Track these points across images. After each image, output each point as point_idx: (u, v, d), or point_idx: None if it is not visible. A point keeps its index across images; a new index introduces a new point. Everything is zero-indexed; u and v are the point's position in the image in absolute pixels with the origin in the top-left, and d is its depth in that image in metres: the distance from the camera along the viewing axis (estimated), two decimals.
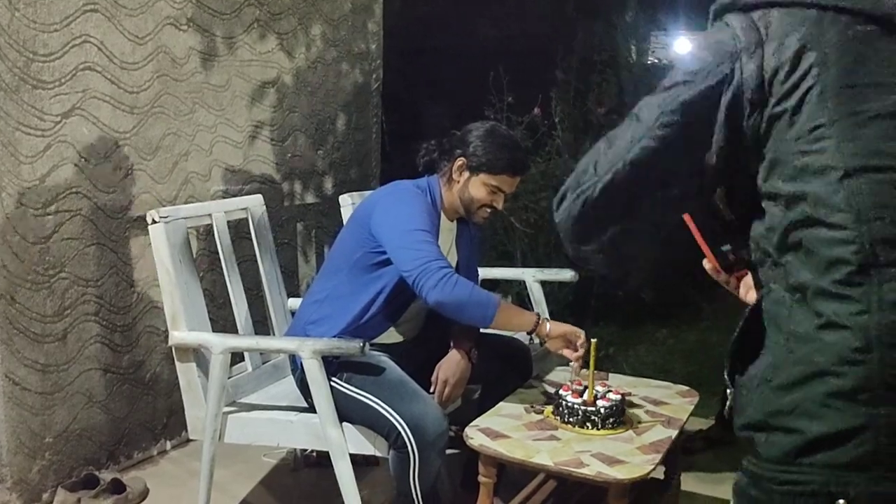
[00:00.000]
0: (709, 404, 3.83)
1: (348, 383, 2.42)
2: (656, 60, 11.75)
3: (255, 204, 2.90)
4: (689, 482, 3.07)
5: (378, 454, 2.41)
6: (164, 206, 2.92)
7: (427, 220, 2.39)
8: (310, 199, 3.67)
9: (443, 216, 2.57)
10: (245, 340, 2.57)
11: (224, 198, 3.18)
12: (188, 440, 3.02)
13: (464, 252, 2.69)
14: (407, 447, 2.28)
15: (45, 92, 2.55)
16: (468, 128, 2.53)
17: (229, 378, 2.66)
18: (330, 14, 3.69)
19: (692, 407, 2.47)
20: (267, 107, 3.41)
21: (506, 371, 2.63)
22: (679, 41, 13.04)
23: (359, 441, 2.42)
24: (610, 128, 4.17)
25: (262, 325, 2.94)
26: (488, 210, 2.54)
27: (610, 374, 2.73)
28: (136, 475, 2.92)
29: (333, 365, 2.44)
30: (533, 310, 3.41)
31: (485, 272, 3.68)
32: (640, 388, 2.58)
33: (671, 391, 2.58)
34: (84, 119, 2.68)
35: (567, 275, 3.46)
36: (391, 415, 2.31)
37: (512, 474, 2.53)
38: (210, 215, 2.72)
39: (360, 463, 2.83)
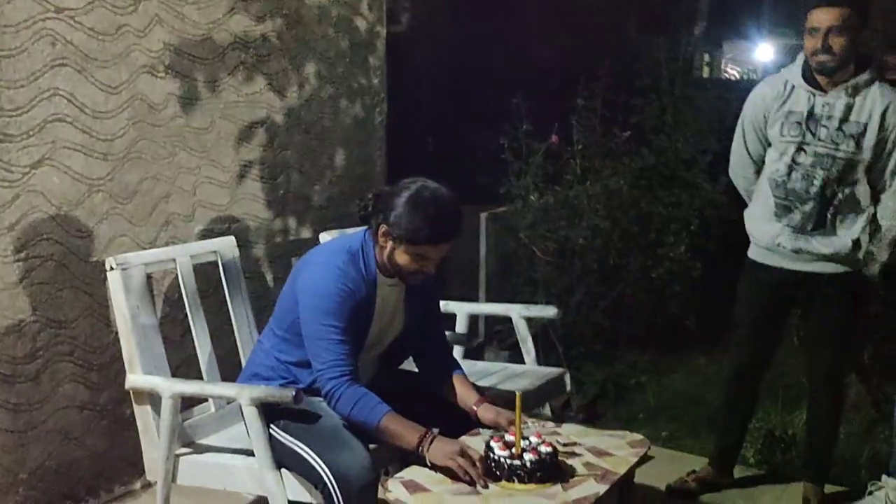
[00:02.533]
0: (749, 440, 3.70)
1: (284, 431, 2.45)
2: (731, 72, 11.42)
3: (225, 246, 2.96)
4: None
5: (314, 502, 2.43)
6: (143, 248, 3.03)
7: (342, 306, 2.37)
8: (306, 234, 3.73)
9: (380, 276, 2.49)
10: (191, 386, 2.63)
11: (212, 237, 3.25)
12: None
13: (415, 311, 2.62)
14: (333, 496, 2.29)
15: (13, 145, 2.68)
16: (396, 188, 2.42)
17: (189, 419, 2.73)
18: (325, 52, 3.74)
19: (636, 459, 2.39)
20: (255, 146, 3.48)
21: (453, 418, 2.60)
22: (760, 50, 12.64)
23: (298, 488, 2.45)
24: (630, 152, 3.94)
25: None
26: (420, 275, 2.46)
27: (564, 425, 2.67)
28: None
29: (274, 412, 2.47)
30: (525, 347, 3.38)
31: (473, 307, 3.68)
32: (590, 438, 2.50)
33: (621, 441, 2.50)
34: (54, 168, 2.80)
35: (551, 311, 3.45)
36: (318, 464, 2.33)
37: None
38: (174, 260, 2.80)
39: None
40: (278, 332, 2.55)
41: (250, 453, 2.50)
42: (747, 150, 3.17)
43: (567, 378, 3.34)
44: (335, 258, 2.45)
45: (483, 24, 5.52)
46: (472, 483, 2.18)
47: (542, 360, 3.62)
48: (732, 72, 11.34)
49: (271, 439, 2.44)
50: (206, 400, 2.79)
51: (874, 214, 3.00)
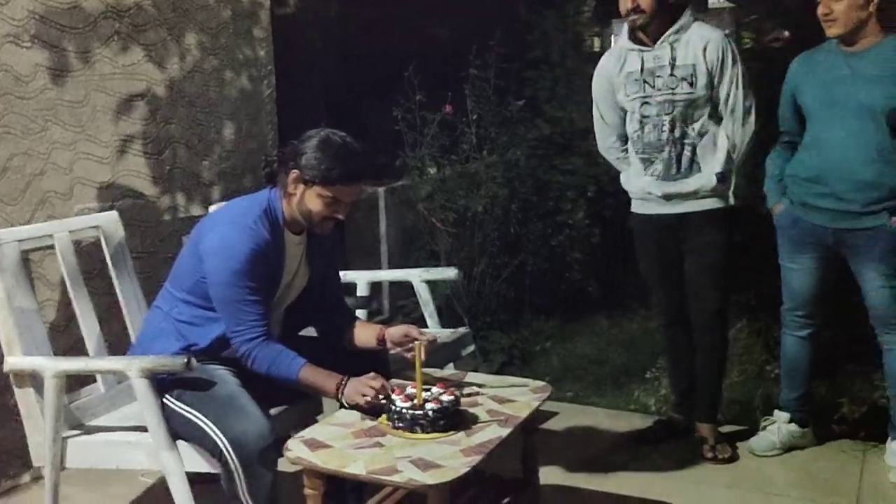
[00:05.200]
0: (650, 389, 3.79)
1: (179, 400, 2.36)
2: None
3: (108, 222, 2.83)
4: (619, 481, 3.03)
5: (213, 471, 2.34)
6: (16, 227, 2.86)
7: (254, 267, 2.35)
8: (196, 210, 3.60)
9: (287, 233, 2.49)
10: (75, 363, 2.50)
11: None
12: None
13: (318, 266, 2.63)
14: (230, 464, 2.22)
15: None
16: (303, 137, 2.43)
17: (77, 401, 2.61)
18: (206, 22, 3.62)
19: (539, 403, 2.39)
20: (136, 120, 3.35)
21: (362, 365, 2.54)
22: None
23: (196, 459, 2.36)
24: (526, 122, 4.00)
25: None
26: (331, 222, 2.46)
27: (469, 373, 2.66)
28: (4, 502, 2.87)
29: (166, 382, 2.37)
30: (428, 310, 3.37)
31: (373, 275, 3.63)
32: (493, 387, 2.49)
33: (524, 388, 2.49)
34: None
35: (451, 273, 3.43)
36: (214, 432, 2.26)
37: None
38: (52, 236, 2.66)
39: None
40: (178, 293, 2.47)
41: (144, 430, 2.40)
42: (604, 120, 3.33)
43: (470, 337, 3.32)
44: (244, 218, 2.41)
45: None
46: (384, 403, 2.24)
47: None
48: None
49: (166, 410, 2.35)
50: (94, 381, 2.66)
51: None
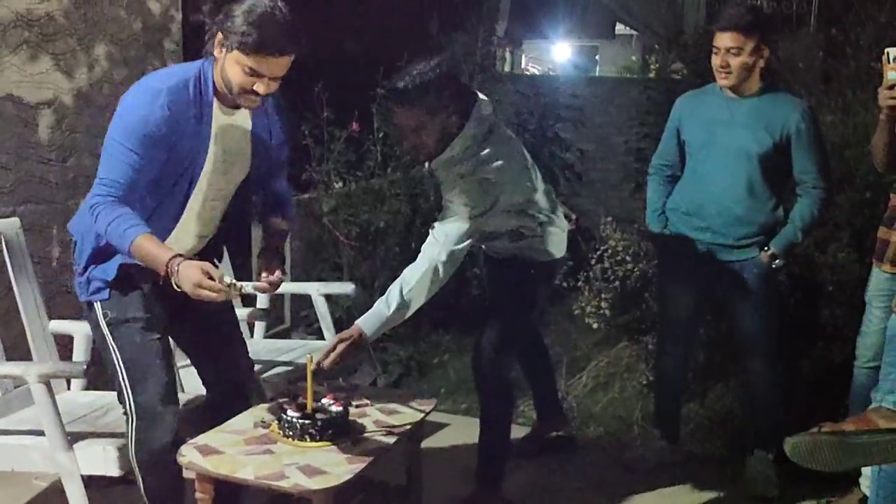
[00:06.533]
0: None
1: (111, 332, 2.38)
2: (532, 70, 12.01)
3: (8, 227, 2.87)
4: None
5: (110, 474, 2.43)
6: None
7: (146, 134, 2.19)
8: None
9: (218, 108, 2.33)
10: None
11: None
12: None
13: (261, 157, 2.46)
14: (126, 406, 2.34)
15: None
16: (238, 2, 2.23)
17: None
18: (116, 34, 3.68)
19: (423, 415, 2.55)
20: (42, 127, 3.39)
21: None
22: (558, 49, 13.30)
23: (91, 462, 2.44)
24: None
25: None
26: (252, 96, 2.25)
27: (358, 387, 2.80)
28: None
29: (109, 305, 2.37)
30: (325, 323, 3.49)
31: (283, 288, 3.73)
32: (381, 400, 2.64)
33: (409, 400, 2.65)
34: None
35: (348, 288, 3.58)
36: (126, 391, 2.35)
37: None
38: None
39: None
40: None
41: (41, 434, 2.46)
42: None
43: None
44: (157, 81, 2.28)
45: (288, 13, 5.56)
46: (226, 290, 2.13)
47: None
48: (533, 69, 11.93)
49: (97, 330, 2.38)
50: None
51: None
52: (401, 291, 2.62)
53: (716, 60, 3.05)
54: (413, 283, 2.64)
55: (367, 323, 2.61)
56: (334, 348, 2.55)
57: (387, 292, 2.64)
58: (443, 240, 2.68)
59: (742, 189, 3.09)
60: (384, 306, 2.62)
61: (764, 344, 3.18)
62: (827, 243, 3.70)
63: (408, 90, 2.59)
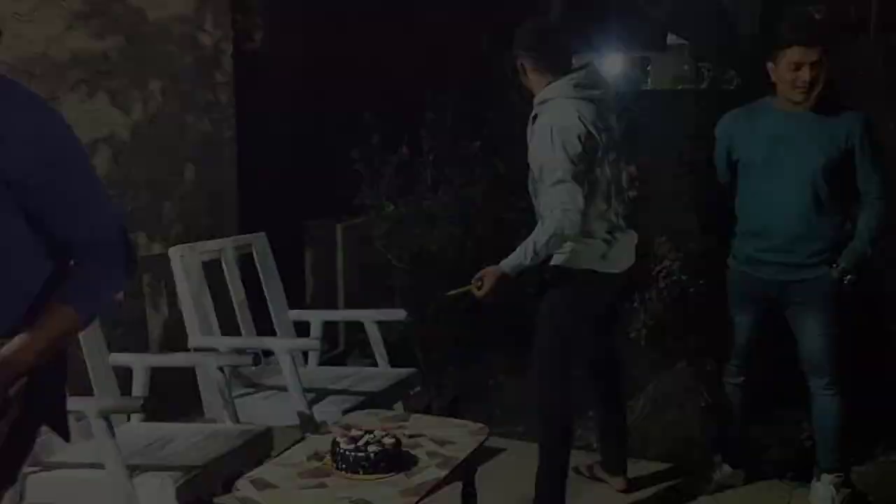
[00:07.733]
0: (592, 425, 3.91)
1: None
2: None
3: None
4: None
5: None
6: None
7: None
8: (157, 249, 3.72)
9: None
10: None
11: None
12: None
13: None
14: None
15: None
16: None
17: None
18: (167, 69, 3.76)
19: (477, 445, 2.53)
20: (99, 162, 3.47)
21: None
22: (609, 61, 13.23)
23: (149, 495, 2.46)
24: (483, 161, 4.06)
25: None
26: None
27: (412, 416, 2.79)
28: None
29: None
30: (378, 350, 3.50)
31: (325, 314, 3.77)
32: (434, 429, 2.63)
33: (463, 430, 2.63)
34: None
35: (400, 314, 3.58)
36: None
37: None
38: None
39: None
40: None
41: (101, 467, 2.50)
42: None
43: (417, 377, 3.45)
44: None
45: (338, 39, 5.60)
46: None
47: (404, 365, 3.72)
48: None
49: None
50: None
51: None
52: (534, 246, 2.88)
53: (803, 76, 2.93)
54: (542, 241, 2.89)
55: (509, 265, 2.90)
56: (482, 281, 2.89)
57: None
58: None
59: (810, 205, 3.01)
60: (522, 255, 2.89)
61: (831, 364, 3.09)
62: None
63: None
